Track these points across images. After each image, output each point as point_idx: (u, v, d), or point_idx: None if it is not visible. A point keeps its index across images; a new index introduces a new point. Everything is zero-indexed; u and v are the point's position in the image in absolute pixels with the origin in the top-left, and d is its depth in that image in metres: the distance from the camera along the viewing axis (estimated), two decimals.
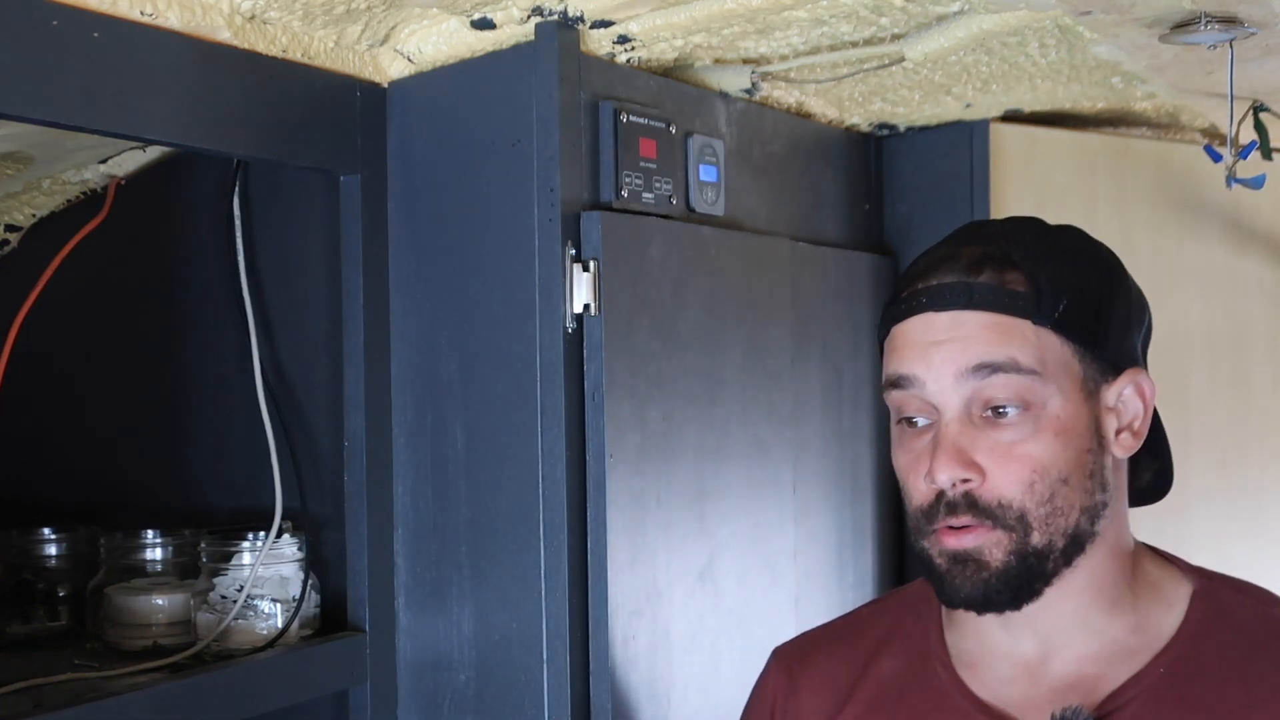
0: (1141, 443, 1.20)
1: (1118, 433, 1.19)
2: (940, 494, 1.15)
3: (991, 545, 1.14)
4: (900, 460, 1.20)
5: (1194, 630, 1.18)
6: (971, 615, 1.21)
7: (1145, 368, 1.22)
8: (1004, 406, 1.13)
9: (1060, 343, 1.15)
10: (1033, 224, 1.24)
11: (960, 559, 1.15)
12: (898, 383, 1.18)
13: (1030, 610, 1.17)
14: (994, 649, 1.22)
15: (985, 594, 1.15)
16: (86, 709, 1.31)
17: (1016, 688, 1.19)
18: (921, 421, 1.17)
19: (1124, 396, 1.19)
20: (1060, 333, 1.15)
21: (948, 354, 1.14)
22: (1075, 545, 1.16)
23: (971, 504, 1.13)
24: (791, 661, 1.35)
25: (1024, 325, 1.14)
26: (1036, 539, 1.14)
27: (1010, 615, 1.18)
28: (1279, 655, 1.16)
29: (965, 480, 1.13)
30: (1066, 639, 1.19)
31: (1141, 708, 1.14)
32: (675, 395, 1.67)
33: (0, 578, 1.69)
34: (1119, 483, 1.20)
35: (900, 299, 1.20)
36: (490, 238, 1.59)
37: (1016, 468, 1.13)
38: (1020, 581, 1.15)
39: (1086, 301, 1.17)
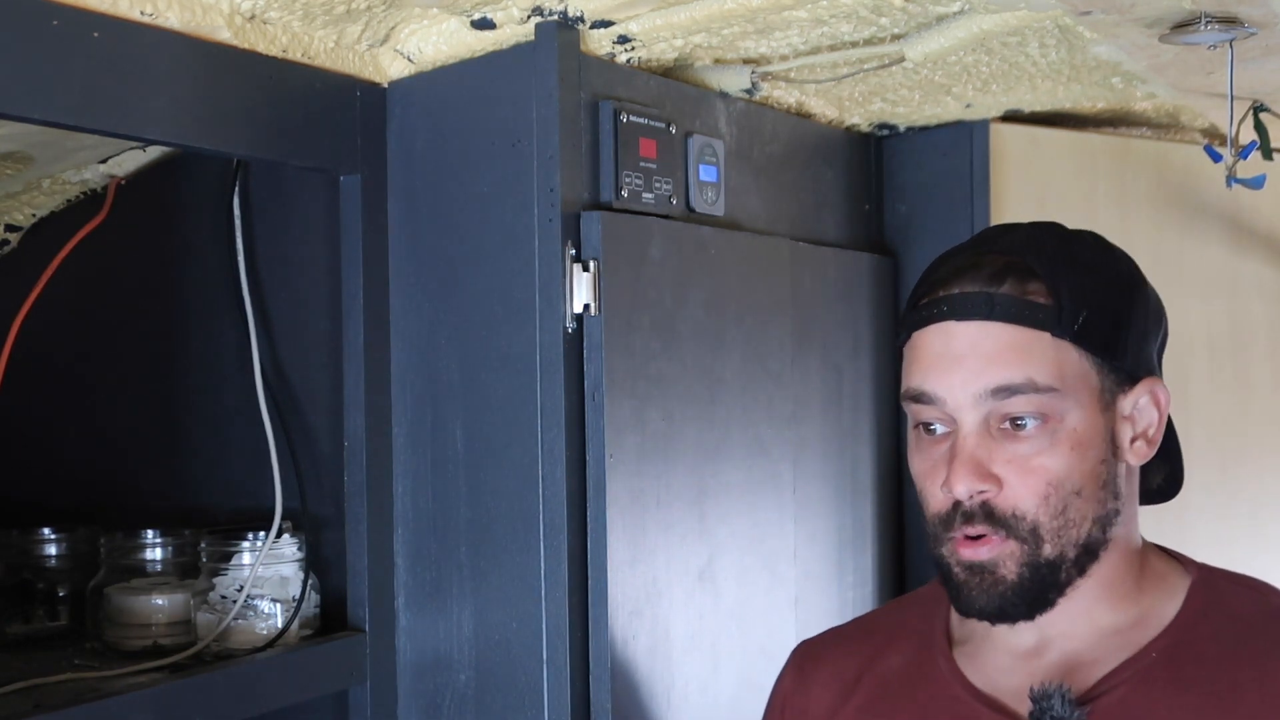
0: (1155, 450, 1.21)
1: (1132, 441, 1.20)
2: (957, 503, 1.16)
3: (1005, 558, 1.15)
4: (918, 466, 1.20)
5: (1190, 617, 1.19)
6: None
7: (1160, 375, 1.23)
8: (1022, 419, 1.14)
9: (1079, 355, 1.16)
10: (1054, 231, 1.24)
11: (976, 569, 1.16)
12: (918, 397, 1.18)
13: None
14: (995, 640, 1.23)
15: (1001, 606, 1.16)
16: (86, 709, 1.31)
17: (1015, 676, 1.20)
18: (940, 429, 1.18)
19: (1140, 405, 1.20)
20: (1079, 345, 1.15)
21: (967, 374, 1.15)
22: (1088, 554, 1.17)
23: (988, 514, 1.15)
24: (805, 659, 1.37)
25: (1044, 339, 1.15)
26: (1048, 551, 1.15)
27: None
28: (1272, 639, 1.17)
29: (982, 491, 1.14)
30: (1067, 629, 1.20)
31: (1131, 690, 1.15)
32: (675, 395, 1.67)
33: (0, 578, 1.69)
34: (1131, 489, 1.22)
35: (920, 305, 1.20)
36: (490, 238, 1.58)
37: (1033, 480, 1.14)
38: (1034, 593, 1.16)
39: (1106, 313, 1.17)
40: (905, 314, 1.23)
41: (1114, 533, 1.19)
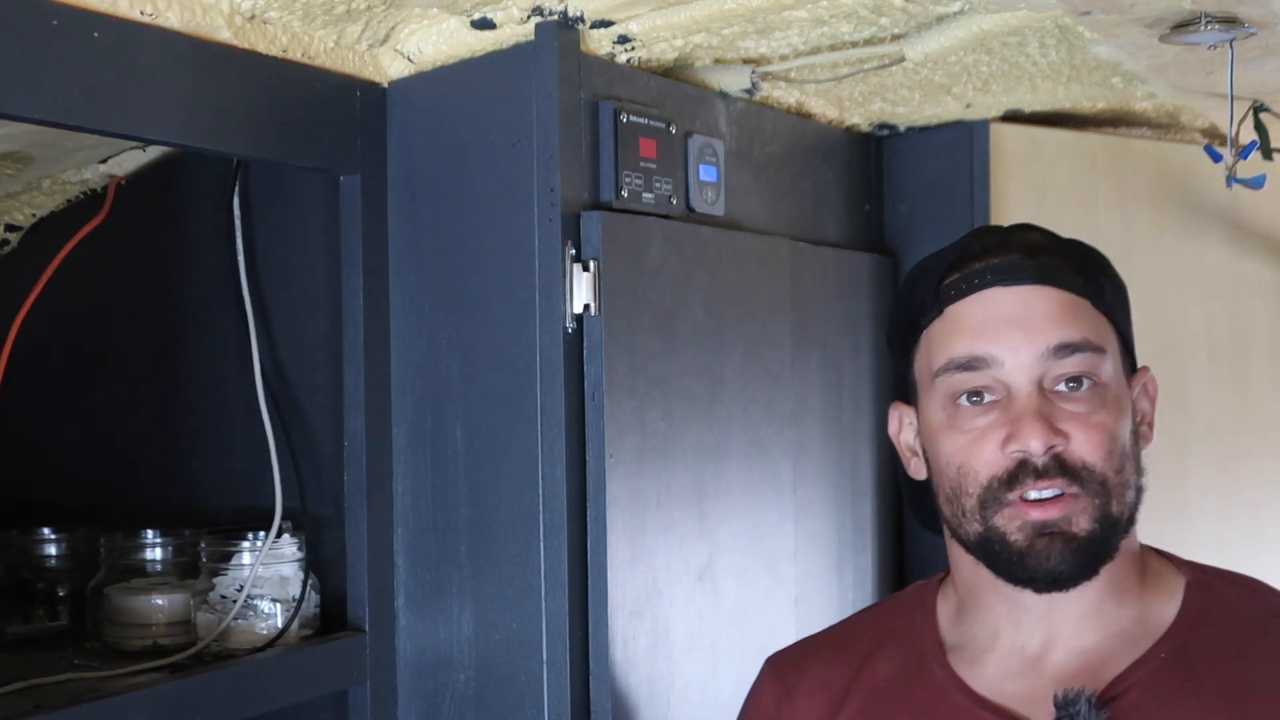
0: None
1: (1138, 424, 1.23)
2: (1022, 462, 1.15)
3: (1078, 513, 1.15)
4: (957, 440, 1.19)
5: (1192, 618, 1.19)
6: (979, 609, 1.23)
7: None
8: (1078, 379, 1.16)
9: (1110, 328, 1.20)
10: (1049, 231, 1.27)
11: (1045, 531, 1.15)
12: (968, 364, 1.18)
13: (1049, 600, 1.18)
14: (999, 643, 1.22)
15: (1074, 565, 1.15)
16: (86, 709, 1.31)
17: (1020, 681, 1.20)
18: (989, 398, 1.18)
19: (1139, 392, 1.24)
20: (1110, 319, 1.20)
21: (1027, 334, 1.16)
22: (1128, 525, 1.19)
23: (1062, 466, 1.14)
24: (785, 669, 1.36)
25: (1085, 305, 1.18)
26: (1115, 507, 1.16)
27: (1026, 606, 1.19)
28: (1277, 641, 1.17)
29: (1052, 446, 1.14)
30: (1074, 630, 1.20)
31: (1145, 691, 1.15)
32: (675, 395, 1.67)
33: (0, 578, 1.69)
34: None
35: (952, 281, 1.20)
36: (490, 238, 1.58)
37: (1096, 435, 1.15)
38: (1099, 552, 1.16)
39: (1120, 297, 1.23)
40: (928, 294, 1.22)
41: (1137, 515, 1.20)
